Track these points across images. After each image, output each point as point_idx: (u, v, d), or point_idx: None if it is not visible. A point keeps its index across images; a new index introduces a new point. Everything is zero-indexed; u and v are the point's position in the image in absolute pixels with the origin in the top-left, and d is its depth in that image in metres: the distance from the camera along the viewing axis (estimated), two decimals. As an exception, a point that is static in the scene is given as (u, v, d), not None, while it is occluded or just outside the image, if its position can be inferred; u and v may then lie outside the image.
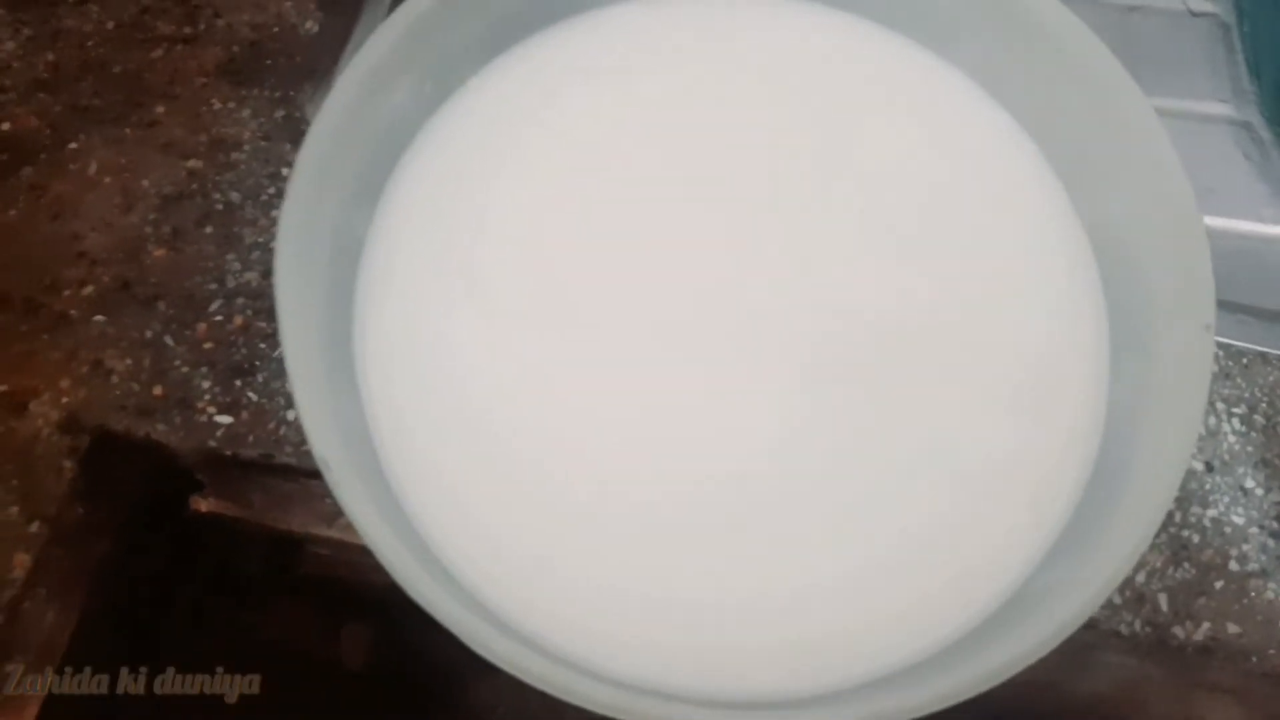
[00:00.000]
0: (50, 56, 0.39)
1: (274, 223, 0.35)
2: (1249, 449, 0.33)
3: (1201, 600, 0.31)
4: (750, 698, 0.24)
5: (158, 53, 0.39)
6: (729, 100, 0.29)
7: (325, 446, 0.22)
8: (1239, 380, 0.34)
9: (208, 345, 0.34)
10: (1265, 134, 0.37)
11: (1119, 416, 0.26)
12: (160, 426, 0.33)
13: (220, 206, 0.36)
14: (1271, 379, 0.34)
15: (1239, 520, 0.32)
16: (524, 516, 0.25)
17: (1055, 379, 0.26)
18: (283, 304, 0.24)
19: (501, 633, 0.22)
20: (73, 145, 0.37)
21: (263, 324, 0.34)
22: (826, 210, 0.28)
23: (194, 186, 0.36)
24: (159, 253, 0.35)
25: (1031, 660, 0.21)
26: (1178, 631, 0.31)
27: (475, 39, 0.29)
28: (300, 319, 0.24)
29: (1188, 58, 0.39)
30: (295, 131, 0.37)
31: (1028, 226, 0.28)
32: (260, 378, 0.33)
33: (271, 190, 0.36)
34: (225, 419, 0.33)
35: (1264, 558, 0.31)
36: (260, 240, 0.35)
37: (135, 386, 0.33)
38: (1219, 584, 0.31)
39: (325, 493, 0.23)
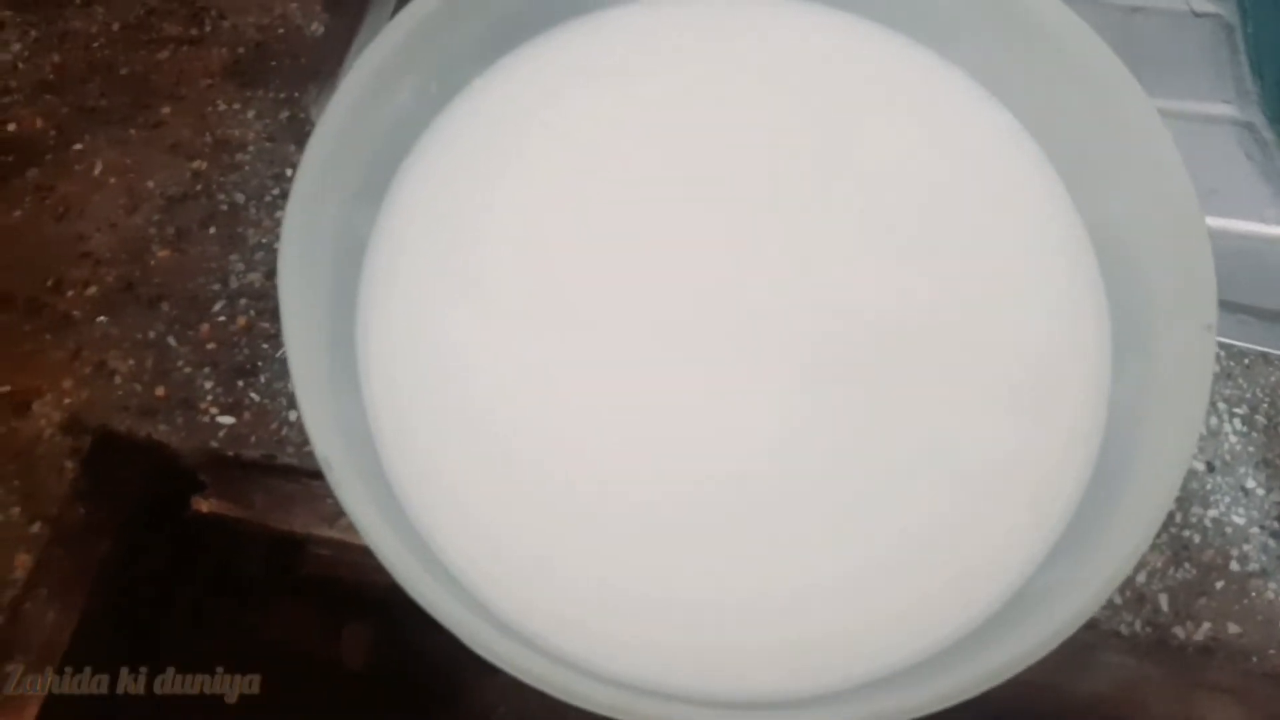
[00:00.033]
0: (56, 58, 0.39)
1: (278, 224, 0.35)
2: (1250, 449, 0.33)
3: (1202, 600, 0.31)
4: (750, 698, 0.24)
5: (163, 54, 0.39)
6: (729, 100, 0.29)
7: (327, 446, 0.22)
8: (1240, 380, 0.34)
9: (210, 346, 0.34)
10: (1268, 134, 0.37)
11: (1120, 416, 0.26)
12: (162, 427, 0.33)
13: (225, 207, 0.36)
14: (1273, 379, 0.33)
15: (1240, 520, 0.32)
16: (524, 516, 0.25)
17: (1056, 379, 0.26)
18: (286, 304, 0.24)
19: (502, 633, 0.22)
20: (78, 146, 0.37)
21: (266, 325, 0.34)
22: (827, 210, 0.28)
23: (199, 187, 0.36)
24: (163, 253, 0.35)
25: (1032, 660, 0.21)
26: (1178, 632, 0.31)
27: (478, 40, 0.29)
28: (303, 319, 0.24)
29: (1190, 58, 0.39)
30: (300, 133, 0.37)
31: (1029, 226, 0.28)
32: (263, 378, 0.33)
33: (275, 191, 0.36)
34: (227, 419, 0.33)
35: (1265, 558, 0.31)
36: (264, 241, 0.35)
37: (138, 387, 0.33)
38: (1220, 584, 0.31)
39: (327, 493, 0.23)
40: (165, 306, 0.34)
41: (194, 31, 0.39)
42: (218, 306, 0.34)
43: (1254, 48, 0.38)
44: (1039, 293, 0.27)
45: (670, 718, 0.22)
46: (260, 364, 0.34)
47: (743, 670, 0.24)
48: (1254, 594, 0.31)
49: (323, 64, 0.38)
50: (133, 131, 0.37)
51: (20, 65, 0.39)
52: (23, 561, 0.31)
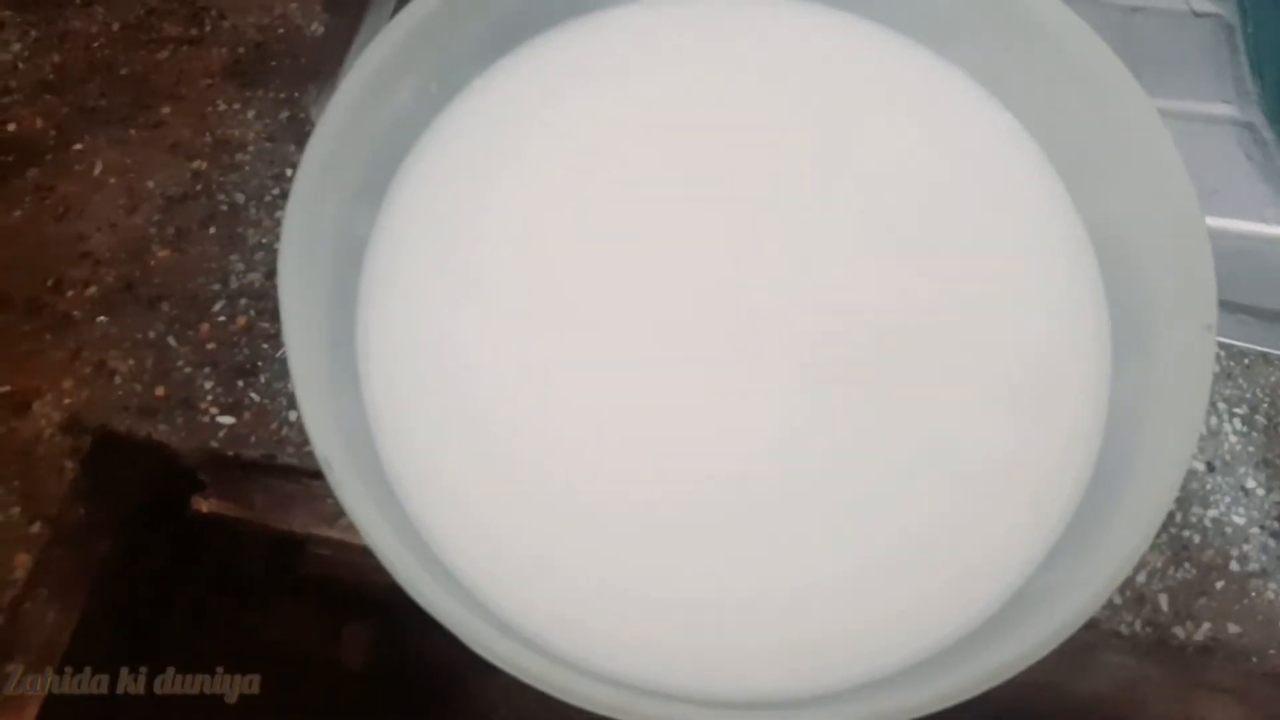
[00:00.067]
0: (56, 58, 0.39)
1: (278, 223, 0.35)
2: (1250, 449, 0.33)
3: (1202, 600, 0.31)
4: (750, 698, 0.24)
5: (163, 54, 0.39)
6: (729, 100, 0.29)
7: (327, 446, 0.22)
8: (1240, 380, 0.34)
9: (210, 346, 0.34)
10: (1268, 134, 0.37)
11: (1120, 416, 0.26)
12: (162, 427, 0.33)
13: (224, 207, 0.36)
14: (1273, 379, 0.33)
15: (1240, 520, 0.32)
16: (524, 516, 0.25)
17: (1056, 379, 0.26)
18: (286, 304, 0.24)
19: (502, 633, 0.22)
20: (78, 146, 0.37)
21: (265, 325, 0.34)
22: (826, 210, 0.28)
23: (199, 187, 0.36)
24: (163, 253, 0.35)
25: (1032, 660, 0.21)
26: (1178, 631, 0.30)
27: (478, 40, 0.29)
28: (303, 319, 0.24)
29: (1190, 58, 0.38)
30: (300, 133, 0.37)
31: (1028, 226, 0.28)
32: (262, 378, 0.33)
33: (275, 191, 0.36)
34: (227, 419, 0.33)
35: (1265, 558, 0.31)
36: (264, 241, 0.35)
37: (138, 387, 0.33)
38: (1220, 584, 0.31)
39: (327, 493, 0.23)
40: (165, 306, 0.34)
41: (194, 31, 0.39)
42: (218, 306, 0.34)
43: (1254, 48, 0.38)
44: (1039, 293, 0.27)
45: (670, 717, 0.22)
46: (260, 364, 0.34)
47: (743, 670, 0.24)
48: (1254, 594, 0.31)
49: (323, 64, 0.38)
50: (133, 131, 0.37)
51: (20, 65, 0.39)
52: (23, 561, 0.31)
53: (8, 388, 0.33)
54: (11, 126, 0.37)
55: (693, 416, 0.26)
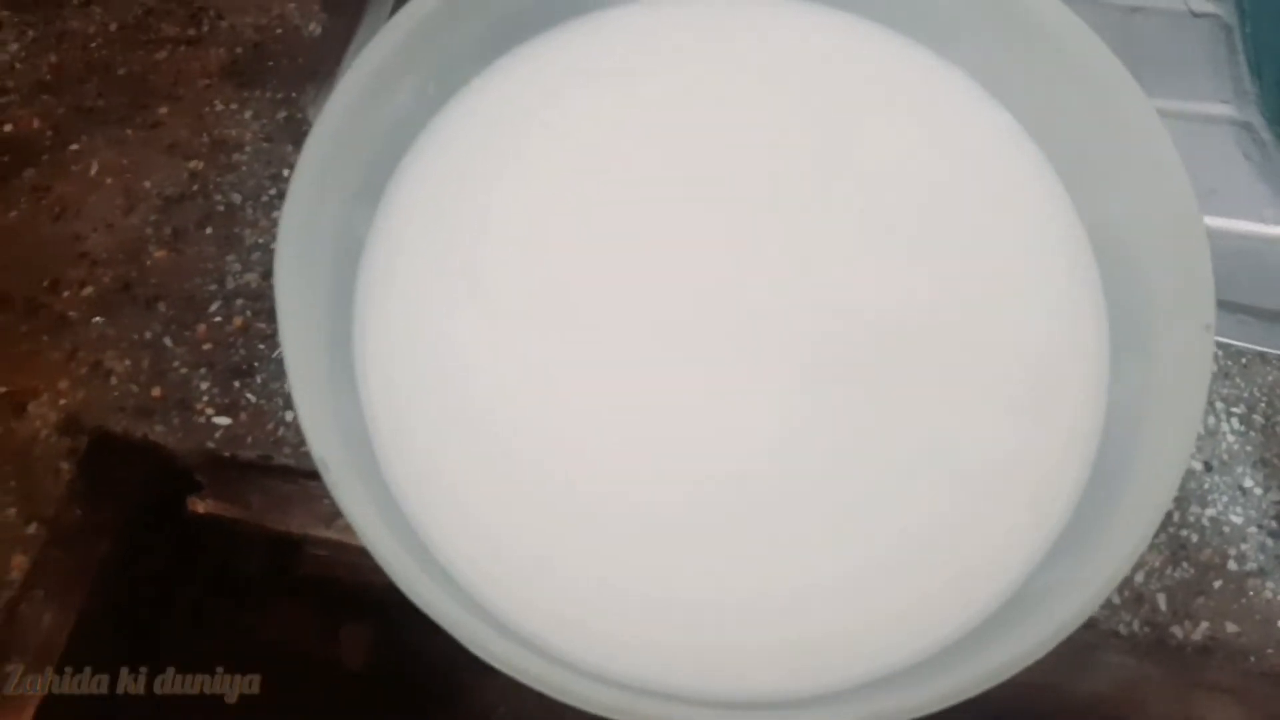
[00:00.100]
0: (54, 58, 0.39)
1: (275, 224, 0.35)
2: (1248, 448, 0.33)
3: (1200, 600, 0.31)
4: (750, 698, 0.24)
5: (161, 54, 0.39)
6: (729, 100, 0.29)
7: (324, 447, 0.22)
8: (1238, 380, 0.34)
9: (207, 346, 0.34)
10: (1266, 135, 0.37)
11: (1119, 416, 0.26)
12: (159, 428, 0.33)
13: (221, 208, 0.36)
14: (1270, 379, 0.34)
15: (1237, 520, 0.32)
16: (524, 517, 0.25)
17: (1055, 379, 0.26)
18: (282, 305, 0.24)
19: (499, 633, 0.22)
20: (75, 146, 0.37)
21: (262, 325, 0.34)
22: (826, 210, 0.28)
23: (195, 188, 0.36)
24: (160, 254, 0.35)
25: (1031, 660, 0.21)
26: (1176, 631, 0.31)
27: (477, 40, 0.29)
28: (300, 320, 0.24)
29: (1189, 58, 0.39)
30: (297, 133, 0.37)
31: (1028, 226, 0.28)
32: (259, 379, 0.33)
33: (273, 191, 0.36)
34: (224, 420, 0.33)
35: (1262, 557, 0.31)
36: (261, 241, 0.35)
37: (134, 388, 0.33)
38: (1218, 583, 0.31)
39: (324, 494, 0.23)
40: (162, 307, 0.34)
41: (191, 32, 0.39)
42: (214, 307, 0.34)
43: (1252, 48, 0.38)
44: (1038, 293, 0.27)
45: (670, 717, 0.22)
46: (257, 364, 0.34)
47: (743, 670, 0.24)
48: (1252, 593, 0.31)
49: (320, 64, 0.38)
50: (130, 132, 0.37)
51: (18, 65, 0.38)
52: (19, 563, 0.31)
53: (4, 388, 0.33)
54: (8, 127, 0.37)
55: (693, 416, 0.26)
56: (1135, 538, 0.22)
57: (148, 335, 0.34)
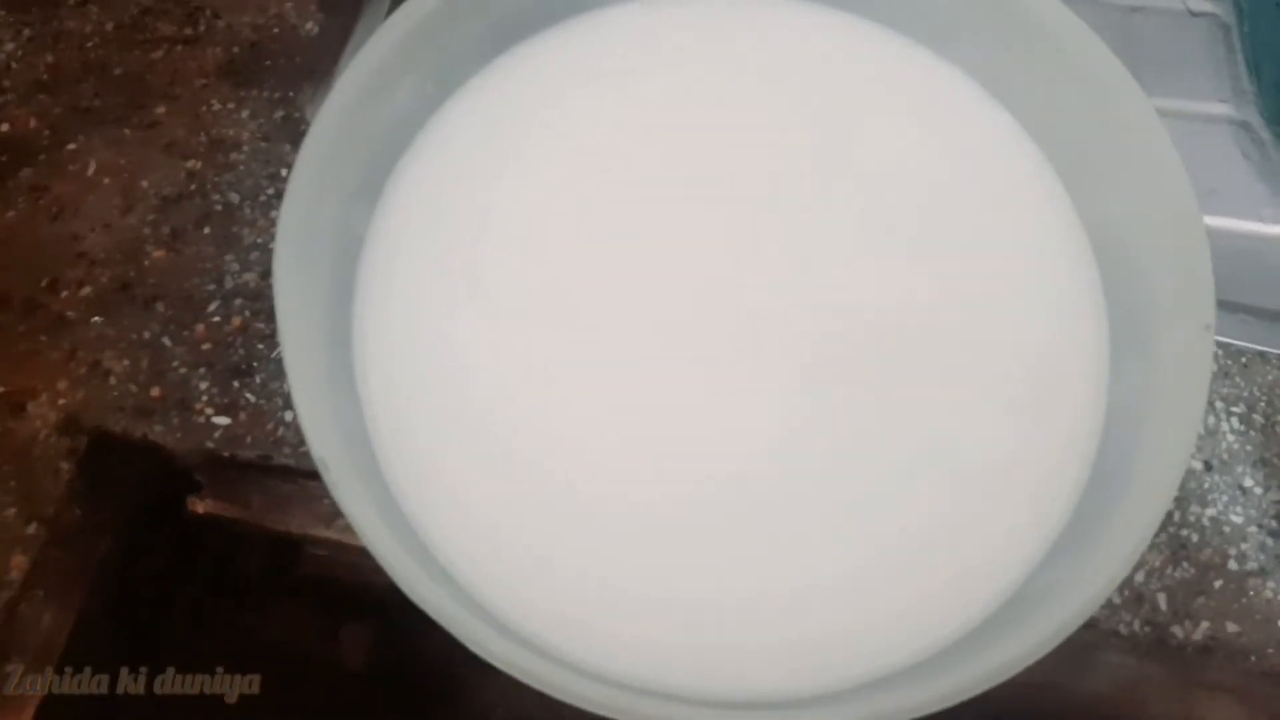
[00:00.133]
0: (50, 58, 0.39)
1: (273, 223, 0.35)
2: (1248, 448, 0.33)
3: (1200, 599, 0.31)
4: (750, 698, 0.24)
5: (158, 54, 0.39)
6: (729, 100, 0.29)
7: (324, 447, 0.22)
8: (1238, 379, 0.34)
9: (206, 346, 0.34)
10: (1265, 134, 0.37)
11: (1119, 416, 0.26)
12: (158, 427, 0.33)
13: (219, 207, 0.36)
14: (1270, 378, 0.34)
15: (1238, 519, 0.32)
16: (524, 516, 0.25)
17: (1055, 379, 0.26)
18: (282, 304, 0.24)
19: (499, 633, 0.22)
20: (72, 146, 0.37)
21: (261, 325, 0.34)
22: (826, 210, 0.28)
23: (193, 187, 0.36)
24: (158, 254, 0.35)
25: (1031, 660, 0.21)
26: (1177, 631, 0.31)
27: (476, 39, 0.29)
28: (299, 319, 0.24)
29: (1188, 58, 0.39)
30: (295, 132, 0.37)
31: (1028, 226, 0.28)
32: (258, 379, 0.33)
33: (271, 191, 0.36)
34: (223, 420, 0.33)
35: (1263, 557, 0.31)
36: (259, 241, 0.35)
37: (133, 387, 0.33)
38: (1218, 583, 0.31)
39: (323, 494, 0.23)
40: (160, 307, 0.34)
41: (188, 31, 0.39)
42: (213, 307, 0.34)
43: (1251, 47, 0.38)
44: (1038, 293, 0.27)
45: (670, 717, 0.22)
46: (256, 364, 0.33)
47: (742, 670, 0.24)
48: (1252, 593, 0.31)
49: (318, 63, 0.38)
50: (127, 131, 0.37)
51: (14, 65, 0.38)
52: (19, 563, 0.31)
53: (3, 388, 0.33)
54: (5, 126, 0.37)
55: (693, 416, 0.26)
56: (1136, 538, 0.22)
57: (146, 335, 0.34)
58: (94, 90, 0.38)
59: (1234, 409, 0.33)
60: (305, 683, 0.37)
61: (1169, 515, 0.32)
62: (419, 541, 0.25)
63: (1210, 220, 0.25)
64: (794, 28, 0.30)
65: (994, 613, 0.24)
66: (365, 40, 0.26)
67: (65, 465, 0.32)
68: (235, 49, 0.39)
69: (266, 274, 0.34)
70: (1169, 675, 0.31)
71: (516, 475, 0.25)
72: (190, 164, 0.37)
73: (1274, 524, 0.32)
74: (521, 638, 0.24)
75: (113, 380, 0.33)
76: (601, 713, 0.21)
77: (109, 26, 0.39)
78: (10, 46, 0.39)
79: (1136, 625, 0.31)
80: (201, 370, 0.33)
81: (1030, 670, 0.21)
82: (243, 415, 0.33)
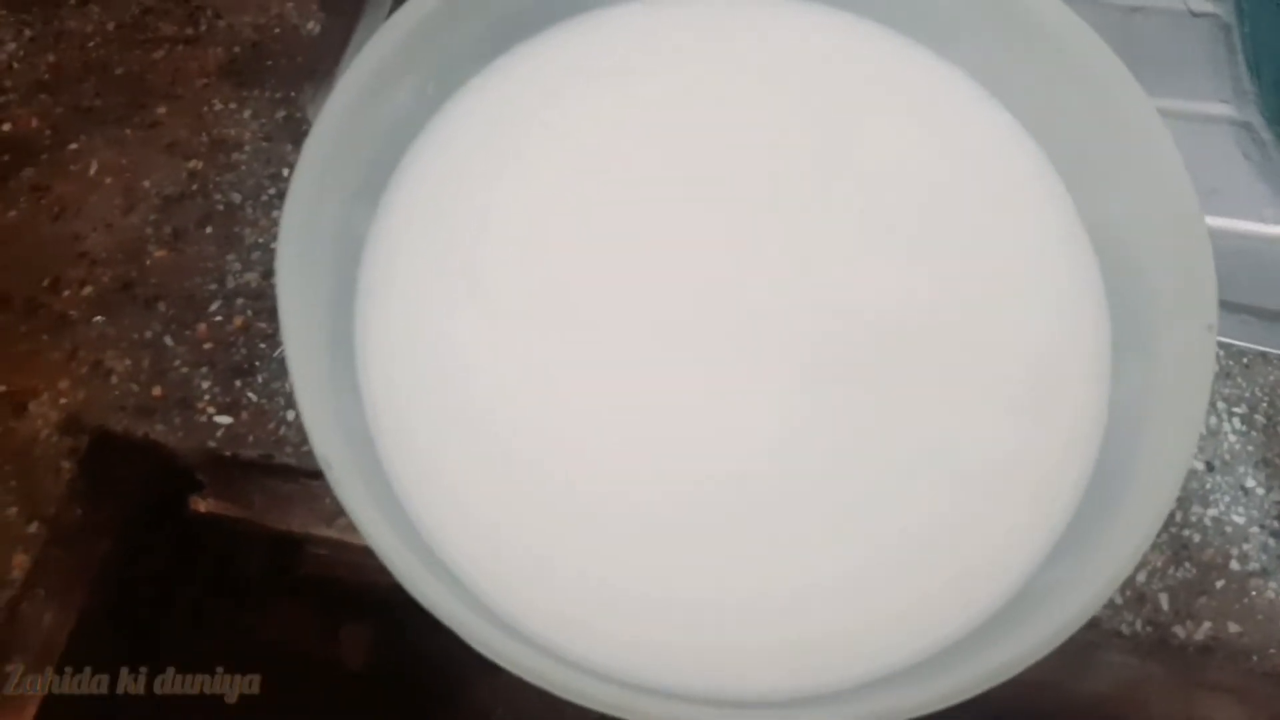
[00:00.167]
0: (52, 57, 0.39)
1: (274, 223, 0.35)
2: (1250, 448, 0.33)
3: (1202, 600, 0.31)
4: (750, 697, 0.24)
5: (159, 54, 0.39)
6: (729, 100, 0.29)
7: (327, 446, 0.22)
8: (1240, 380, 0.34)
9: (208, 346, 0.34)
10: (1266, 134, 0.37)
11: (1120, 416, 0.26)
12: (160, 427, 0.33)
13: (221, 207, 0.36)
14: (1272, 378, 0.34)
15: (1240, 520, 0.32)
16: (524, 516, 0.25)
17: (1056, 379, 0.26)
18: (284, 304, 0.24)
19: (505, 633, 0.22)
20: (74, 146, 0.37)
21: (263, 324, 0.34)
22: (826, 210, 0.28)
23: (195, 187, 0.36)
24: (160, 253, 0.35)
25: (1032, 660, 0.21)
26: (1179, 631, 0.31)
27: (476, 39, 0.29)
28: (301, 318, 0.24)
29: (1188, 58, 0.39)
30: (296, 132, 0.37)
31: (1029, 226, 0.28)
32: (260, 378, 0.33)
33: (272, 191, 0.36)
34: (225, 419, 0.33)
35: (1265, 557, 0.31)
36: (261, 241, 0.35)
37: (135, 387, 0.33)
38: (1220, 583, 0.31)
39: (325, 492, 0.23)
40: (162, 306, 0.34)
41: (190, 31, 0.39)
42: (214, 306, 0.34)
43: (1251, 47, 0.38)
44: (1039, 293, 0.27)
45: (674, 716, 0.22)
46: (258, 364, 0.33)
47: (743, 670, 0.24)
48: (1254, 593, 0.31)
49: (319, 63, 0.38)
50: (128, 131, 0.37)
51: (16, 65, 0.38)
52: (20, 562, 0.31)
53: (4, 388, 0.33)
54: (7, 126, 0.37)
55: (693, 416, 0.26)
56: (1137, 539, 0.22)
57: (148, 334, 0.34)
58: (95, 90, 0.38)
59: (1236, 409, 0.33)
60: (305, 683, 0.38)
61: (1170, 515, 0.32)
62: (421, 541, 0.25)
63: (1211, 220, 0.25)
64: (794, 28, 0.30)
65: (996, 612, 0.24)
66: (367, 40, 0.26)
67: (67, 464, 0.32)
68: (236, 49, 0.39)
69: (268, 273, 0.34)
70: (1170, 675, 0.31)
71: (516, 475, 0.25)
72: (192, 164, 0.37)
73: (1276, 524, 0.32)
74: (523, 637, 0.24)
75: (114, 380, 0.33)
76: (607, 711, 0.21)
77: (110, 26, 0.39)
78: (12, 46, 0.39)
79: (1138, 625, 0.31)
80: (203, 369, 0.33)
81: (1032, 670, 0.21)
82: (244, 414, 0.33)
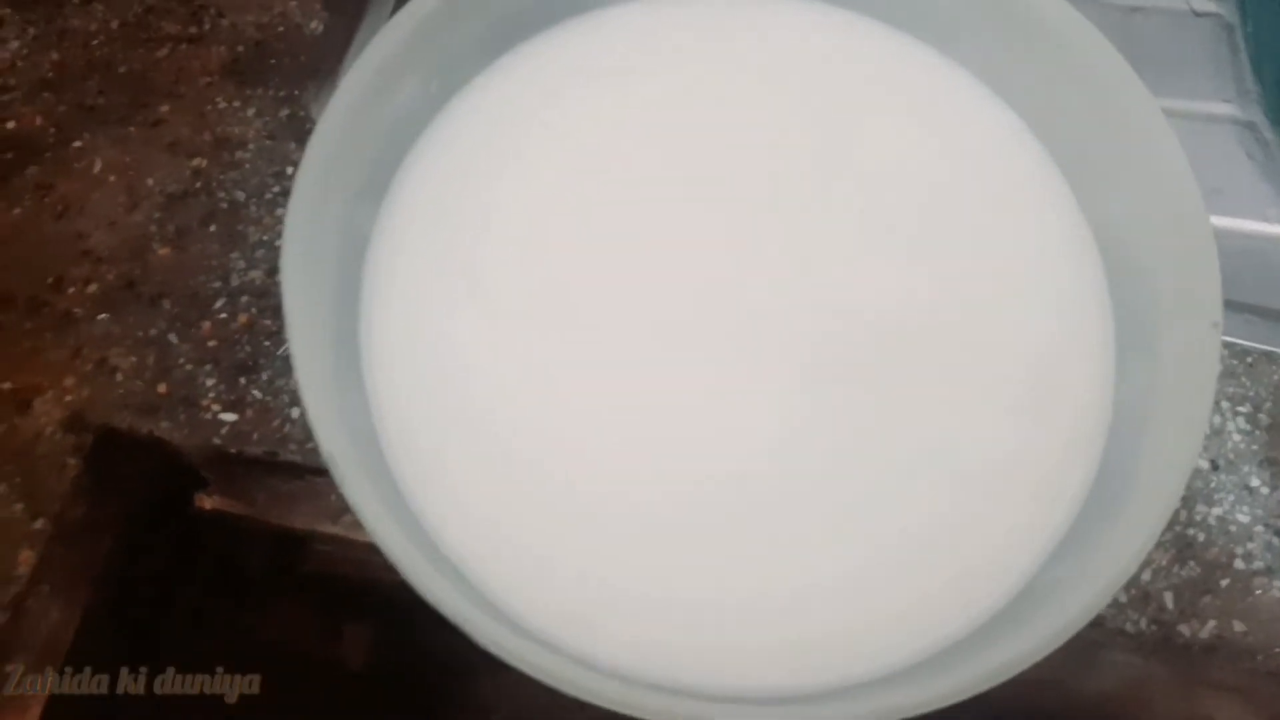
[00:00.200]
0: (55, 56, 0.39)
1: (278, 221, 0.35)
2: (1254, 447, 0.33)
3: (1207, 598, 0.31)
4: (751, 696, 0.24)
5: (162, 52, 0.39)
6: (729, 100, 0.29)
7: (332, 443, 0.22)
8: (1244, 379, 0.33)
9: (212, 343, 0.34)
10: (1269, 134, 0.37)
11: (1125, 416, 0.26)
12: (164, 424, 0.33)
13: (225, 205, 0.36)
14: (1276, 378, 0.33)
15: (1244, 518, 0.32)
16: (525, 516, 0.25)
17: (1057, 379, 0.26)
18: (289, 301, 0.24)
19: (512, 630, 0.22)
20: (77, 144, 0.37)
21: (267, 322, 0.34)
22: (827, 210, 0.28)
23: (198, 185, 0.36)
24: (163, 251, 0.35)
25: (1033, 661, 0.21)
26: (1183, 630, 0.30)
27: (478, 39, 0.29)
28: (306, 316, 0.24)
29: (1191, 58, 0.38)
30: (299, 131, 0.37)
31: (1031, 225, 0.28)
32: (264, 376, 0.33)
33: (276, 189, 0.36)
34: (229, 416, 0.33)
35: (1269, 556, 0.31)
36: (264, 239, 0.35)
37: (139, 384, 0.33)
38: (1224, 582, 0.31)
39: (329, 489, 0.23)
40: (166, 304, 0.34)
41: (193, 30, 0.39)
42: (219, 304, 0.34)
43: (1254, 47, 0.38)
44: (1042, 292, 0.27)
45: (682, 711, 0.22)
46: (262, 361, 0.34)
47: (743, 670, 0.24)
48: (1258, 592, 0.31)
49: (322, 62, 0.38)
50: (132, 129, 0.37)
51: (19, 63, 0.38)
52: (26, 558, 0.31)
53: (9, 385, 0.33)
54: (11, 124, 0.37)
55: (693, 416, 0.26)
56: (1141, 538, 0.22)
57: (152, 332, 0.34)
58: (99, 88, 0.38)
59: (1240, 408, 0.33)
60: (306, 682, 0.38)
61: (1175, 514, 0.31)
62: (427, 538, 0.25)
63: (1215, 220, 0.25)
64: (794, 27, 0.30)
65: (1000, 610, 0.24)
66: (370, 39, 0.26)
67: (72, 461, 0.32)
68: (240, 48, 0.39)
69: (272, 271, 0.35)
70: (1174, 674, 0.31)
71: (517, 475, 0.25)
72: (195, 162, 0.37)
73: None
74: (528, 635, 0.24)
75: (119, 377, 0.33)
76: (624, 710, 0.21)
77: (114, 25, 0.39)
78: (15, 45, 0.39)
79: (1143, 624, 0.31)
80: (208, 367, 0.33)
81: (1034, 668, 0.21)
82: (249, 412, 0.33)
